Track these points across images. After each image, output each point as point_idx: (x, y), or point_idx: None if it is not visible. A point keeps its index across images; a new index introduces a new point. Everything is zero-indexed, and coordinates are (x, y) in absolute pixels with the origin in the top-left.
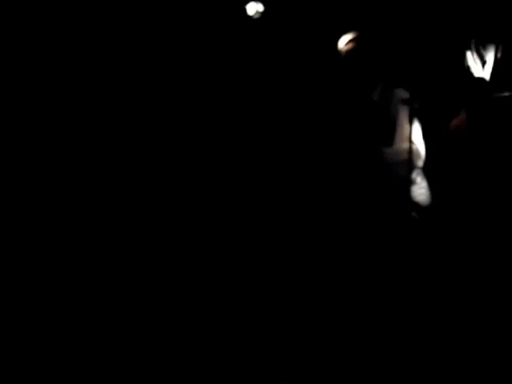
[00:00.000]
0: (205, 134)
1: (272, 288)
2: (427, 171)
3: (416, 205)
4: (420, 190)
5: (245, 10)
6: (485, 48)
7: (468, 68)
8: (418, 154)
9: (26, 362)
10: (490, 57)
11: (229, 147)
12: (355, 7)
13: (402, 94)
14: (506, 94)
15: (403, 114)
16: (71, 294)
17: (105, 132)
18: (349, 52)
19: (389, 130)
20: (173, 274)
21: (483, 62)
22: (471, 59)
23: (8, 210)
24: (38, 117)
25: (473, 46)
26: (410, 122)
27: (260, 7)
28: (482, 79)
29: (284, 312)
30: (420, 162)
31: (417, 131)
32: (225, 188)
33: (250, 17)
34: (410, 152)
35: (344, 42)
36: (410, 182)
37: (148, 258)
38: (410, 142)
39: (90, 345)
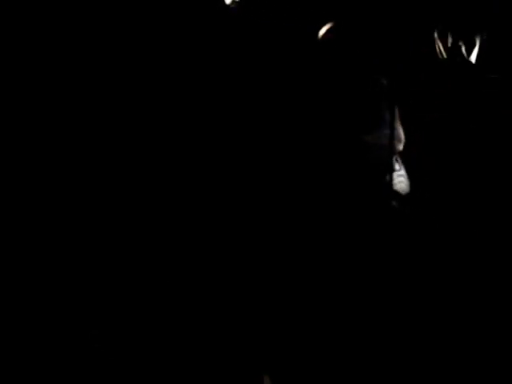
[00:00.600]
0: (188, 129)
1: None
2: (410, 160)
3: (395, 193)
4: (399, 178)
5: None
6: (471, 32)
7: (455, 51)
8: (399, 139)
9: (26, 362)
10: (476, 40)
11: (212, 142)
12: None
13: (381, 80)
14: (493, 76)
15: (382, 100)
16: (71, 293)
17: (104, 132)
18: (326, 41)
19: (368, 116)
20: (172, 274)
21: (470, 46)
22: (457, 43)
23: (8, 210)
24: (38, 117)
25: (457, 30)
26: (390, 108)
27: None
28: (468, 62)
29: (269, 310)
30: (400, 146)
31: (396, 117)
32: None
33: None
34: (391, 137)
35: (322, 32)
36: (389, 169)
37: (147, 258)
38: (391, 127)
39: (89, 345)
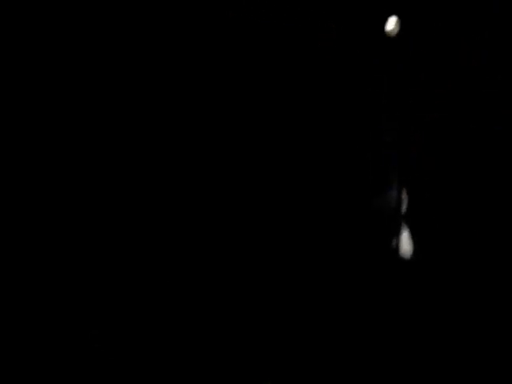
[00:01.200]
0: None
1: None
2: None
3: (400, 256)
4: (404, 241)
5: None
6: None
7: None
8: (405, 201)
9: (26, 362)
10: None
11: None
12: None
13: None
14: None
15: (389, 158)
16: (71, 293)
17: (104, 132)
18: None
19: (377, 175)
20: (172, 274)
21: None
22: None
23: (7, 210)
24: (38, 117)
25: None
26: (397, 167)
27: None
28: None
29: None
30: (404, 207)
31: (403, 176)
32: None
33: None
34: (399, 200)
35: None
36: (396, 232)
37: (147, 258)
38: (399, 189)
39: (89, 345)
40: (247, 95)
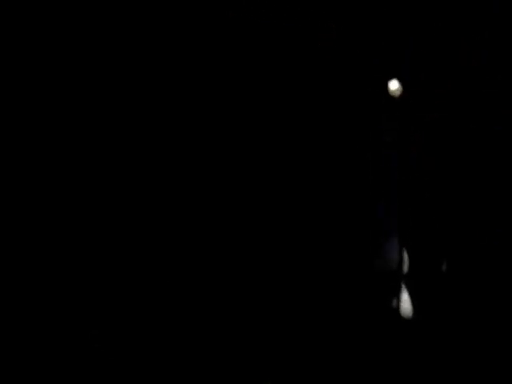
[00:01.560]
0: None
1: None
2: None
3: (399, 317)
4: (403, 303)
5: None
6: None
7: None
8: (406, 263)
9: (26, 362)
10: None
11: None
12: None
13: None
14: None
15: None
16: (71, 293)
17: (104, 132)
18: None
19: (378, 238)
20: (173, 274)
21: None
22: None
23: (7, 210)
24: (38, 117)
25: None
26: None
27: None
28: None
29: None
30: (405, 268)
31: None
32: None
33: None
34: (400, 263)
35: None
36: (396, 295)
37: (147, 258)
38: (400, 252)
39: (89, 345)
40: (248, 95)
